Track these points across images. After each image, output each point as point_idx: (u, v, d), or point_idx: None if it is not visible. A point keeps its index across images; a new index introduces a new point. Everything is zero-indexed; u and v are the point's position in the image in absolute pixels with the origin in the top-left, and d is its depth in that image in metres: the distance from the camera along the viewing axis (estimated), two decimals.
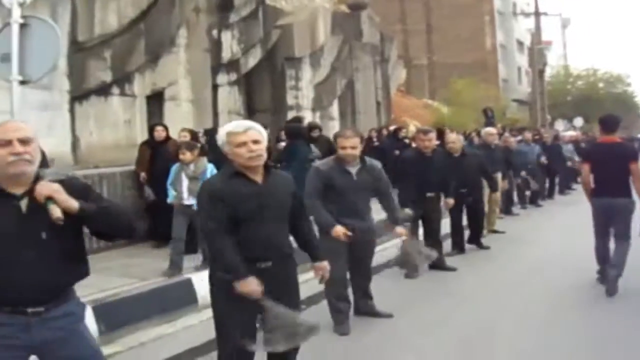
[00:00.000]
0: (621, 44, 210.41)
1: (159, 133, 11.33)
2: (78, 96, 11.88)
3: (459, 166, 11.66)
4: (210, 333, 5.47)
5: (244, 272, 4.82)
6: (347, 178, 7.51)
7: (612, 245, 9.07)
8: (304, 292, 6.54)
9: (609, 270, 8.85)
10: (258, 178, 5.03)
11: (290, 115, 18.76)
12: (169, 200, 9.69)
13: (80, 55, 11.98)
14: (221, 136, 5.06)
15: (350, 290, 7.89)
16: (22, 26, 7.34)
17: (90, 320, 6.64)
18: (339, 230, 7.23)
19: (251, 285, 4.80)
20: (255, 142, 4.93)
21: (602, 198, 8.99)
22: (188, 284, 8.48)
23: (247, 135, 4.92)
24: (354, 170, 7.53)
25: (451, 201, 10.88)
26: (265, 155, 5.06)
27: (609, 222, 9.06)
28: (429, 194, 10.34)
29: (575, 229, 12.53)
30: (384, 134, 20.36)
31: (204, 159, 9.70)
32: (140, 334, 7.20)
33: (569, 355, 6.41)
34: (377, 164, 7.95)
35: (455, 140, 12.27)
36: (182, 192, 9.50)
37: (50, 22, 7.86)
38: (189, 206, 9.21)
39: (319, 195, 7.42)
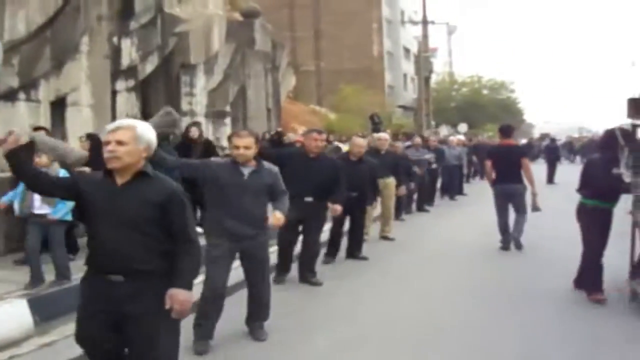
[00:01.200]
0: (506, 52, 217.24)
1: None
2: None
3: (355, 171, 11.62)
4: None
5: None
6: (237, 177, 7.26)
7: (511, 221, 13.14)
8: None
9: (513, 234, 13.00)
10: (119, 180, 4.78)
11: (185, 120, 19.43)
12: (16, 212, 9.42)
13: None
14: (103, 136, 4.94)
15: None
16: None
17: (25, 312, 7.25)
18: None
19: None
20: (119, 142, 4.69)
21: (502, 184, 12.94)
22: None
23: (111, 135, 4.72)
24: (246, 171, 7.30)
25: (339, 208, 10.30)
26: (127, 159, 4.73)
27: (507, 202, 13.03)
28: (307, 199, 9.85)
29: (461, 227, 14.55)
30: (265, 138, 20.31)
31: (56, 164, 9.50)
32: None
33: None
34: (274, 168, 7.64)
35: (362, 144, 12.40)
36: (33, 201, 9.17)
37: None
38: (42, 215, 9.09)
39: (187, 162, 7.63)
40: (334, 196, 10.18)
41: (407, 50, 70.95)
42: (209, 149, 13.87)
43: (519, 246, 12.92)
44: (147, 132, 4.83)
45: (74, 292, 7.64)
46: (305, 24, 57.46)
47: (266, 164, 7.56)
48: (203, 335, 7.12)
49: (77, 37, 14.64)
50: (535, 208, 12.82)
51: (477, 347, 7.13)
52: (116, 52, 16.65)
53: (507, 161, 12.96)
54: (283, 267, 10.45)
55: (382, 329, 7.88)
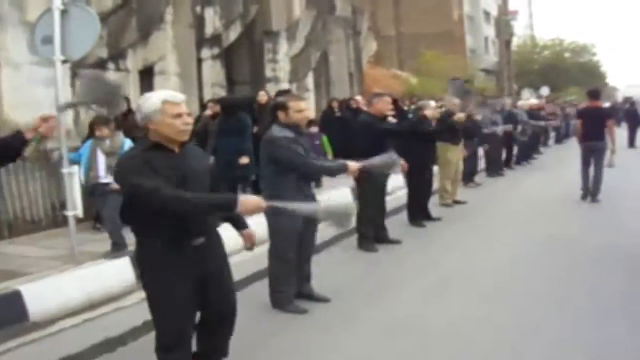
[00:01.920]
0: (587, 14, 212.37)
1: None
2: (78, 72, 12.48)
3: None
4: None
5: (227, 196, 4.79)
6: (307, 141, 7.39)
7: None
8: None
9: (591, 190, 14.42)
10: (176, 149, 4.77)
11: (269, 87, 19.62)
12: (82, 182, 9.24)
13: None
14: (152, 103, 4.67)
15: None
16: (62, 12, 8.30)
17: (128, 269, 7.59)
18: (354, 165, 7.23)
19: (252, 201, 4.65)
20: (189, 114, 4.80)
21: (588, 142, 14.38)
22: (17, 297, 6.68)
23: (183, 107, 4.72)
24: (303, 134, 7.37)
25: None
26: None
27: (590, 157, 14.38)
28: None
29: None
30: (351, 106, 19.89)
31: (121, 134, 9.46)
32: None
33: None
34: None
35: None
36: (99, 171, 9.16)
37: (88, 9, 8.80)
38: (106, 184, 8.94)
39: (304, 157, 7.10)
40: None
41: (487, 14, 69.96)
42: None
43: (595, 200, 14.37)
44: None
45: None
46: None
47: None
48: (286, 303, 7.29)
49: (162, 8, 14.92)
50: (610, 164, 14.30)
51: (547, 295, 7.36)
52: (200, 21, 16.89)
53: (594, 121, 14.38)
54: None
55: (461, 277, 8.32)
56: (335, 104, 19.12)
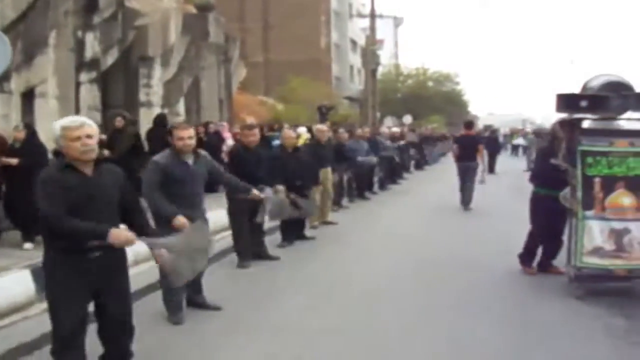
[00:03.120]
0: (451, 44, 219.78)
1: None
2: None
3: (292, 161, 12.53)
4: None
5: (102, 227, 5.15)
6: (184, 168, 7.77)
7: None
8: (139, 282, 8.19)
9: (465, 200, 18.40)
10: (88, 171, 5.30)
11: (142, 111, 20.28)
12: None
13: None
14: (56, 130, 5.25)
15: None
16: None
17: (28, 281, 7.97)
18: (181, 219, 7.37)
19: (122, 234, 5.22)
20: (89, 136, 5.21)
21: (463, 162, 18.39)
22: None
23: (81, 130, 5.20)
24: (190, 160, 7.85)
25: (280, 187, 11.24)
26: (96, 150, 5.33)
27: (465, 174, 18.35)
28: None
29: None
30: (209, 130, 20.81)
31: None
32: None
33: None
34: (206, 153, 8.35)
35: (289, 136, 13.19)
36: None
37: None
38: None
39: (158, 188, 7.61)
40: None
41: (354, 43, 71.59)
42: (136, 143, 14.87)
43: (467, 208, 18.32)
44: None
45: None
46: (255, 15, 57.61)
47: (200, 151, 8.18)
48: (176, 309, 7.96)
49: (46, 31, 15.36)
50: (482, 181, 19.06)
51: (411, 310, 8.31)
52: (80, 45, 17.31)
53: (468, 146, 18.54)
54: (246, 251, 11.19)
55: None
56: (200, 130, 19.59)
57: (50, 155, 10.44)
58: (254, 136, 11.06)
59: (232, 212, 10.94)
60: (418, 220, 16.80)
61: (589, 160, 8.91)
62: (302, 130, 16.52)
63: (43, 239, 5.43)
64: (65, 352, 5.37)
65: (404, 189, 24.86)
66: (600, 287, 9.11)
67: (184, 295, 8.10)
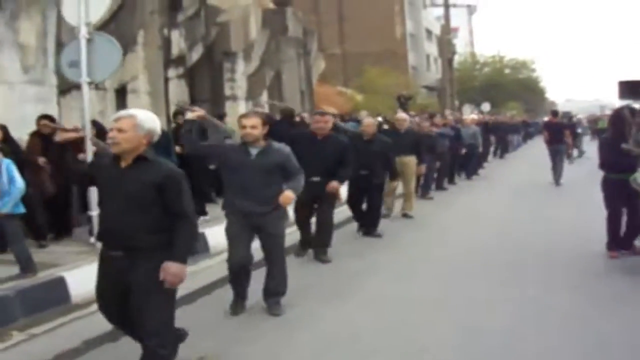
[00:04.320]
0: (526, 31, 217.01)
1: (44, 128, 11.16)
2: (63, 90, 13.51)
3: (366, 150, 12.30)
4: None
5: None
6: (243, 158, 7.61)
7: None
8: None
9: (555, 176, 21.32)
10: (123, 164, 5.31)
11: (228, 104, 20.99)
12: None
13: None
14: None
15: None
16: (88, 40, 9.84)
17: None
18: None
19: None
20: (120, 130, 5.21)
21: (552, 145, 21.50)
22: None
23: (114, 124, 5.31)
24: (255, 151, 7.62)
25: (334, 185, 10.36)
26: (123, 144, 5.23)
27: (555, 155, 21.37)
28: (314, 179, 9.94)
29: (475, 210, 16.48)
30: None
31: None
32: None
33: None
34: (285, 148, 7.90)
35: (372, 124, 13.08)
36: None
37: (110, 38, 10.46)
38: None
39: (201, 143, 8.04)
40: (337, 175, 10.41)
41: (429, 32, 71.75)
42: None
43: (559, 184, 21.14)
44: (148, 121, 5.35)
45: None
46: (329, 8, 58.11)
47: (276, 144, 7.83)
48: (236, 305, 7.94)
49: (135, 31, 16.07)
50: (570, 159, 23.98)
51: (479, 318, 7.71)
52: (166, 43, 18.03)
53: (556, 131, 21.98)
54: (303, 242, 11.28)
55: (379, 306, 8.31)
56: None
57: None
58: (326, 123, 10.68)
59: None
60: (500, 204, 17.34)
61: None
62: (378, 120, 16.75)
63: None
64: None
65: (486, 175, 25.29)
66: None
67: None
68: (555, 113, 24.72)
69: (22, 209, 8.77)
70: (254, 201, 7.60)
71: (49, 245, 10.56)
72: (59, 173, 11.12)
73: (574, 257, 10.59)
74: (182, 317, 5.99)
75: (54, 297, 8.04)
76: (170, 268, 5.12)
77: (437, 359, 6.30)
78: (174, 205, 5.23)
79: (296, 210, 10.85)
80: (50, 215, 11.37)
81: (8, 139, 10.40)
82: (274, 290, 7.99)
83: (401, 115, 16.78)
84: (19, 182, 8.59)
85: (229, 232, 7.84)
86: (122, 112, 5.45)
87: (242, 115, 7.93)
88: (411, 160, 15.41)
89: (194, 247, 5.83)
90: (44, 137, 11.08)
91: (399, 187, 15.46)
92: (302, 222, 11.08)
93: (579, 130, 33.58)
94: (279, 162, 7.70)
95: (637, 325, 7.23)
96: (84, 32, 9.85)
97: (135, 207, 5.18)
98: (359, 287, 9.08)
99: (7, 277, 8.42)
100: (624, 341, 6.67)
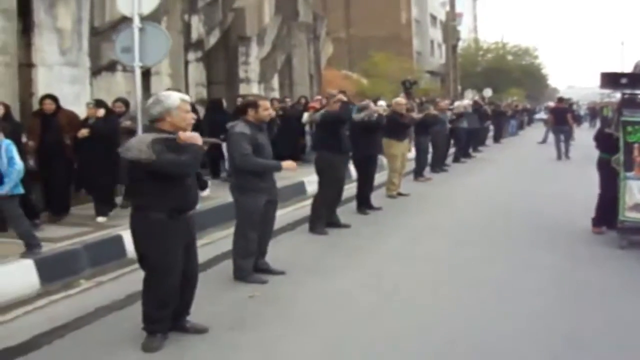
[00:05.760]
0: (530, 17, 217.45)
1: (47, 106, 11.51)
2: (94, 72, 14.49)
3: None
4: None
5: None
6: (264, 136, 8.41)
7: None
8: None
9: (564, 151, 25.52)
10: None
11: (242, 86, 22.01)
12: None
13: (96, 38, 14.64)
14: (172, 102, 6.08)
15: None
16: (140, 30, 11.00)
17: (32, 272, 8.19)
18: (289, 163, 8.40)
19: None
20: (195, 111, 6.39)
21: (557, 126, 26.26)
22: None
23: (188, 106, 6.20)
24: (264, 128, 8.54)
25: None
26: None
27: (560, 134, 25.80)
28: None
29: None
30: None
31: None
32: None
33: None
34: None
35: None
36: None
37: (160, 28, 11.91)
38: None
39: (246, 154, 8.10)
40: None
41: (433, 18, 72.36)
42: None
43: (568, 156, 25.38)
44: None
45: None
46: None
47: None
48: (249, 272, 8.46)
49: (159, 16, 16.99)
50: (573, 138, 26.66)
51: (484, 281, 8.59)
52: (187, 28, 19.02)
53: (560, 114, 26.92)
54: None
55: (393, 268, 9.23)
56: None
57: None
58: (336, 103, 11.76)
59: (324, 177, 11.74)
60: (494, 183, 18.49)
61: (629, 128, 10.25)
62: (382, 103, 17.62)
63: None
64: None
65: (480, 159, 26.28)
66: None
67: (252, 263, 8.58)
68: (560, 99, 30.40)
69: (21, 190, 8.82)
70: (272, 178, 8.63)
71: (41, 225, 10.60)
72: (59, 153, 11.39)
73: (560, 227, 11.92)
74: None
75: (114, 252, 9.40)
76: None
77: (436, 309, 7.32)
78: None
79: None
80: (47, 194, 11.76)
81: (9, 117, 10.83)
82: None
83: (400, 99, 17.13)
84: (18, 164, 8.67)
85: (250, 204, 8.42)
86: (186, 96, 6.32)
87: (261, 98, 8.73)
88: (404, 144, 16.22)
89: None
90: (44, 117, 11.52)
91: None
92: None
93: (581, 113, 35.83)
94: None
95: (607, 278, 8.66)
96: (137, 22, 10.96)
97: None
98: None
99: (75, 233, 9.87)
100: (597, 287, 8.20)
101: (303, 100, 22.14)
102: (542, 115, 44.76)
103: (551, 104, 37.68)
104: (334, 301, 7.59)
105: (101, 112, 11.71)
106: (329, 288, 8.10)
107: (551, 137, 27.60)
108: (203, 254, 7.49)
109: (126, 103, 13.17)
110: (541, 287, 8.09)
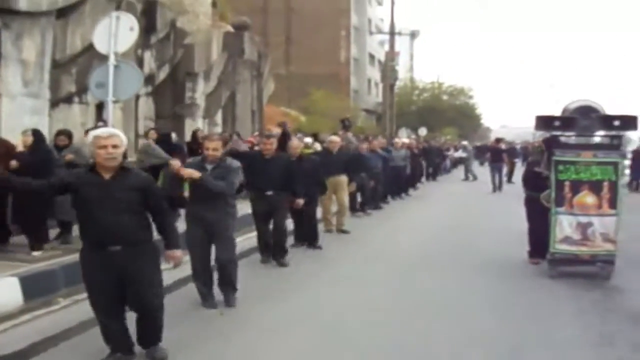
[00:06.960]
0: (465, 58, 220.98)
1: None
2: (52, 103, 15.15)
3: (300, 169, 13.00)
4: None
5: None
6: (202, 173, 8.67)
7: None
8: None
9: (497, 185, 30.29)
10: (106, 175, 6.15)
11: (187, 122, 22.86)
12: None
13: (56, 70, 15.28)
14: (89, 138, 6.33)
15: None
16: (115, 67, 11.70)
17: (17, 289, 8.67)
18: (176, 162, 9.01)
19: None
20: (115, 146, 6.07)
21: (493, 163, 31.25)
22: None
23: (108, 140, 6.09)
24: (210, 167, 8.83)
25: (300, 201, 12.47)
26: (119, 159, 6.18)
27: (495, 171, 30.92)
28: (268, 192, 11.85)
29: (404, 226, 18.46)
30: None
31: None
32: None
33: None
34: (236, 163, 9.15)
35: (298, 146, 13.86)
36: None
37: (134, 65, 12.71)
38: None
39: None
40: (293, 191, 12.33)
41: (372, 57, 73.72)
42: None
43: (500, 190, 29.53)
44: (124, 137, 6.39)
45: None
46: (277, 30, 59.62)
47: (229, 160, 9.17)
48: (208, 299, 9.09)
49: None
50: (509, 179, 31.91)
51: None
52: (139, 62, 19.68)
53: (496, 153, 31.61)
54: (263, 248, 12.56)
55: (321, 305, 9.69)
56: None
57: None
58: (271, 145, 12.12)
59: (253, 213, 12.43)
60: (433, 217, 19.64)
61: (560, 167, 11.33)
62: (308, 140, 18.08)
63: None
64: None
65: (417, 196, 27.61)
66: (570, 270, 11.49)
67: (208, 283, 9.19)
68: (498, 140, 34.69)
69: None
70: (210, 209, 8.97)
71: None
72: None
73: (498, 258, 13.16)
74: None
75: None
76: (174, 253, 6.57)
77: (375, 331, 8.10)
78: (158, 204, 6.45)
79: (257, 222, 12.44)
80: None
81: None
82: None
83: (333, 137, 17.75)
84: None
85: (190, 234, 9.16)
86: (110, 130, 6.45)
87: (206, 138, 9.37)
88: (343, 179, 16.60)
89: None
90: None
91: (334, 205, 16.65)
92: (260, 233, 12.50)
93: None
94: (225, 175, 8.91)
95: (540, 302, 9.83)
96: (112, 60, 11.71)
97: (125, 209, 6.16)
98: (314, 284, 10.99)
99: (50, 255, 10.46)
100: (523, 301, 9.80)
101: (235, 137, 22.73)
102: (461, 153, 44.79)
103: (478, 143, 40.36)
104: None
105: (28, 140, 11.49)
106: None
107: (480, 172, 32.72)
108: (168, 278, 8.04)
109: (69, 136, 13.23)
110: (480, 311, 9.17)
